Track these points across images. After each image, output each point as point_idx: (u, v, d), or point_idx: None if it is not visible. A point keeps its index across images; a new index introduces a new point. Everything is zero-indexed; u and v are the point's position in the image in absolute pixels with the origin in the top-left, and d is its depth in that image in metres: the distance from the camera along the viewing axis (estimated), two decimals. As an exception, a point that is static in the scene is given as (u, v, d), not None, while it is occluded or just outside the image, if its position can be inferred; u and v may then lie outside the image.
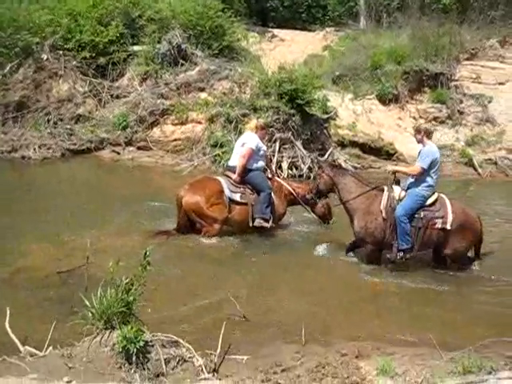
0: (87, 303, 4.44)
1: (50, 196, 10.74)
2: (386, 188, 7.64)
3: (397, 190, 7.56)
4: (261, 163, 8.85)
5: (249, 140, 8.71)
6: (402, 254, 7.42)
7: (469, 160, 15.98)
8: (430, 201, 7.46)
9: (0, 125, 15.20)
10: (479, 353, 4.39)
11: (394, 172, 7.93)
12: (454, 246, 7.40)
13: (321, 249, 8.07)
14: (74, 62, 16.36)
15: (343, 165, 13.99)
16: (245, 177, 8.58)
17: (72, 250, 7.29)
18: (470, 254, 7.74)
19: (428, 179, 7.42)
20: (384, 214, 7.43)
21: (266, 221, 8.47)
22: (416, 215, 7.38)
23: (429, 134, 7.79)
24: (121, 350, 4.15)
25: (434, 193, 7.53)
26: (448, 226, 7.32)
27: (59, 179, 12.57)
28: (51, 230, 8.26)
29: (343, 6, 38.33)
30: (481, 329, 5.60)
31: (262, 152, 8.86)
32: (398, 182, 7.74)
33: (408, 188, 7.55)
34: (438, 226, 7.37)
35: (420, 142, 7.71)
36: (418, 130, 7.78)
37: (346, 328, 5.57)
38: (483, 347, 4.58)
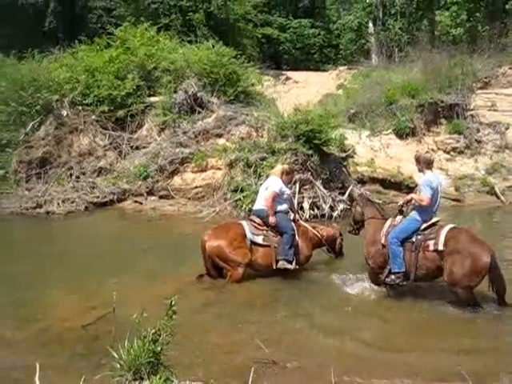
0: (115, 355, 4.47)
1: (75, 248, 10.87)
2: (390, 218, 7.92)
3: (398, 218, 7.78)
4: (285, 206, 8.88)
5: (272, 184, 8.79)
6: (393, 277, 7.48)
7: (490, 188, 15.89)
8: (425, 225, 7.48)
9: (24, 181, 15.53)
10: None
11: (406, 202, 7.92)
12: (452, 272, 7.05)
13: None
14: (94, 117, 16.69)
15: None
16: (267, 219, 8.62)
17: (98, 300, 7.33)
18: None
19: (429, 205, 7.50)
20: (383, 241, 7.64)
21: (290, 262, 8.43)
22: (409, 240, 7.46)
23: (428, 164, 7.70)
24: (150, 399, 4.16)
25: (431, 218, 7.53)
26: (440, 247, 7.17)
27: (83, 232, 12.71)
28: (77, 281, 8.35)
29: (354, 44, 38.95)
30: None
31: (285, 196, 8.91)
32: (401, 212, 7.88)
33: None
34: (431, 247, 7.29)
35: (420, 171, 7.84)
36: (417, 160, 7.81)
37: (377, 367, 5.48)
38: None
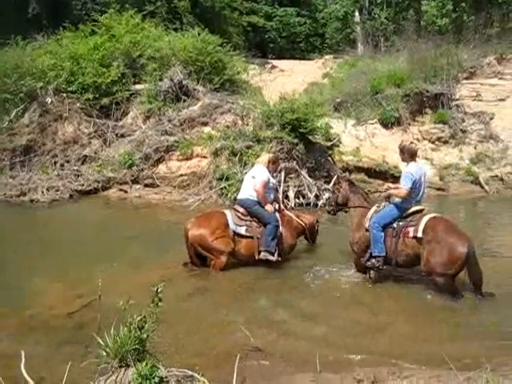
0: (101, 342, 4.46)
1: (60, 236, 10.83)
2: (376, 205, 8.07)
3: (382, 205, 7.94)
4: (271, 196, 8.90)
5: (259, 173, 8.74)
6: (373, 260, 7.65)
7: (475, 178, 16.01)
8: (407, 213, 7.61)
9: (8, 169, 15.38)
10: (495, 371, 4.36)
11: (385, 190, 8.22)
12: (428, 261, 7.18)
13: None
14: (78, 104, 16.57)
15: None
16: (251, 209, 8.60)
17: (83, 288, 7.32)
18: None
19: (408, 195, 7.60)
20: (367, 225, 7.80)
21: (272, 254, 8.42)
22: (390, 226, 7.62)
23: (412, 155, 7.76)
24: (137, 387, 4.16)
25: (413, 206, 7.64)
26: (419, 234, 7.30)
27: (68, 220, 12.64)
28: (62, 269, 8.34)
29: (340, 33, 38.91)
30: (496, 346, 5.56)
31: (271, 185, 8.91)
32: (387, 199, 8.05)
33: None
34: (411, 234, 7.43)
35: (404, 161, 7.96)
36: (401, 150, 7.88)
37: (360, 353, 5.51)
38: (500, 364, 4.56)
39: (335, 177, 9.67)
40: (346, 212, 8.69)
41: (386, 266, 7.72)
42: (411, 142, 8.15)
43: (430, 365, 5.10)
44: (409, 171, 7.62)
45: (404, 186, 7.53)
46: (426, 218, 7.41)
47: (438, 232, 7.23)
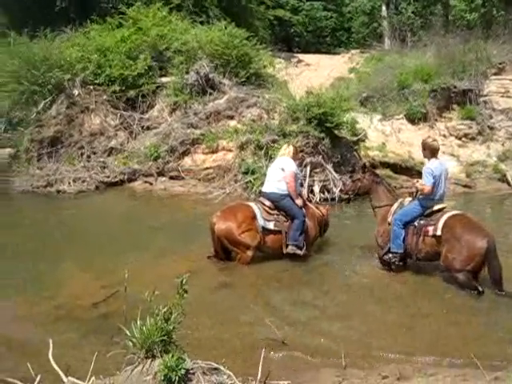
0: (127, 332, 4.50)
1: (86, 227, 10.95)
2: (399, 200, 8.14)
3: (407, 200, 7.97)
4: (299, 189, 8.89)
5: (288, 165, 8.66)
6: (390, 255, 7.76)
7: (502, 175, 15.83)
8: (429, 211, 7.64)
9: (35, 160, 15.63)
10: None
11: (416, 192, 8.00)
12: (447, 257, 7.25)
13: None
14: (105, 96, 16.74)
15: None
16: (280, 203, 8.56)
17: (109, 278, 7.39)
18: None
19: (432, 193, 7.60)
20: (389, 219, 7.89)
21: (300, 248, 8.44)
22: (411, 223, 7.68)
23: (433, 151, 7.76)
24: (163, 378, 4.15)
25: (436, 204, 7.67)
26: (438, 232, 7.35)
27: (94, 211, 12.78)
28: (88, 260, 8.45)
29: (367, 28, 38.59)
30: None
31: (299, 176, 8.93)
32: (411, 195, 8.12)
33: None
34: (430, 233, 7.48)
35: (425, 157, 7.98)
36: (423, 147, 7.90)
37: (386, 349, 5.47)
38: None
39: (361, 164, 9.72)
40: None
41: (403, 261, 7.87)
42: (433, 139, 8.07)
43: (455, 364, 5.06)
44: (429, 167, 7.63)
45: (426, 182, 7.52)
46: (445, 217, 7.44)
47: (457, 229, 7.25)
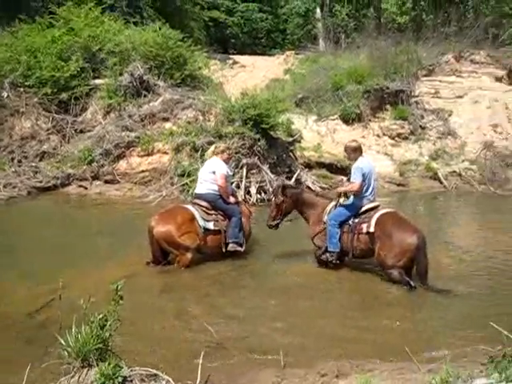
0: (62, 342, 4.37)
1: (19, 235, 10.56)
2: (333, 201, 8.20)
3: (341, 200, 8.01)
4: (230, 188, 8.93)
5: (218, 167, 8.70)
6: (327, 255, 7.88)
7: (434, 173, 16.30)
8: (363, 209, 7.80)
9: (-37, 166, 15.04)
10: (455, 362, 4.43)
11: (340, 193, 8.13)
12: (380, 255, 7.45)
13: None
14: (36, 99, 16.27)
15: (311, 186, 14.21)
16: (216, 203, 8.60)
17: (43, 287, 7.17)
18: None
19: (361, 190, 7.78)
20: (324, 220, 8.02)
21: (240, 245, 8.57)
22: (346, 222, 7.83)
23: (355, 151, 7.94)
24: (99, 387, 4.09)
25: (369, 203, 7.85)
26: (371, 229, 7.53)
27: (27, 217, 12.39)
28: (22, 268, 8.15)
29: (302, 30, 39.03)
30: (455, 337, 5.65)
31: (229, 177, 9.01)
32: (345, 195, 8.10)
33: None
34: (364, 230, 7.65)
35: (352, 159, 8.05)
36: (345, 151, 8.19)
37: (324, 348, 5.53)
38: (459, 356, 4.63)
39: (278, 186, 8.97)
40: (290, 221, 8.91)
41: (340, 260, 7.97)
42: (352, 140, 8.29)
43: (392, 358, 5.14)
44: (357, 165, 7.78)
45: (355, 179, 7.68)
46: (377, 214, 7.65)
47: (388, 227, 7.47)
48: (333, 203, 8.13)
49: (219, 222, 8.55)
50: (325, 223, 7.98)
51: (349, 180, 8.08)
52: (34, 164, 15.06)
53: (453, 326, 6.15)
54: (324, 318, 6.45)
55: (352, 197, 7.86)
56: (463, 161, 16.89)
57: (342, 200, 8.00)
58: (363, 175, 7.68)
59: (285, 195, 8.43)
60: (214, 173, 8.66)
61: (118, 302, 4.40)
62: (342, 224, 7.84)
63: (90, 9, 18.78)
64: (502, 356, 3.82)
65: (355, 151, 7.92)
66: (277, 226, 8.57)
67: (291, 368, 5.01)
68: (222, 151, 9.10)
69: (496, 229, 11.09)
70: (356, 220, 7.77)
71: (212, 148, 9.33)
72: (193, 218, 8.32)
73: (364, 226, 7.66)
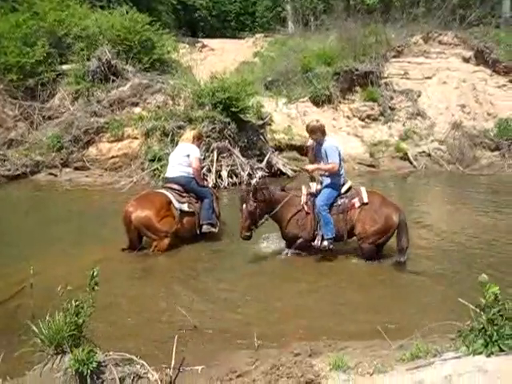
0: (35, 329, 4.34)
1: (-13, 224, 10.46)
2: (303, 187, 7.96)
3: (313, 186, 7.89)
4: (202, 171, 9.03)
5: (193, 151, 8.81)
6: (326, 243, 7.65)
7: (404, 154, 16.51)
8: (344, 188, 7.80)
9: None
10: (426, 338, 4.51)
11: (313, 170, 8.02)
12: (365, 229, 7.52)
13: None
14: (1, 86, 16.02)
15: (282, 169, 14.26)
16: (189, 186, 8.70)
17: (17, 274, 7.07)
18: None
19: (340, 169, 7.77)
20: (306, 209, 7.76)
21: (213, 226, 8.73)
22: (334, 204, 7.71)
23: (323, 130, 7.85)
24: (74, 373, 4.06)
25: (346, 181, 7.90)
26: (365, 200, 7.60)
27: (-4, 206, 12.25)
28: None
29: (271, 12, 38.83)
30: (426, 314, 5.75)
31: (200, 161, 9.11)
32: (312, 179, 8.08)
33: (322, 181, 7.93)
34: (357, 204, 7.64)
35: (317, 140, 7.88)
36: (312, 131, 7.83)
37: (298, 328, 5.60)
38: (429, 332, 4.71)
39: (249, 191, 7.79)
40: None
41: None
42: (313, 120, 8.13)
43: (364, 336, 5.21)
44: (332, 145, 7.78)
45: (335, 160, 7.64)
46: (363, 189, 7.81)
47: (375, 201, 7.63)
48: (304, 191, 7.85)
49: (193, 204, 8.65)
50: (308, 213, 7.74)
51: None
52: (1, 152, 14.79)
53: (425, 303, 6.28)
54: (297, 301, 6.51)
55: (330, 178, 7.73)
56: (432, 141, 17.10)
57: (313, 185, 7.91)
58: (339, 154, 7.71)
59: (257, 200, 7.69)
60: (188, 156, 8.75)
61: (93, 288, 4.38)
62: (330, 208, 7.67)
63: (55, -8, 18.43)
64: (470, 330, 3.90)
65: (324, 131, 7.85)
66: (251, 235, 7.84)
67: (265, 349, 5.05)
68: (198, 138, 9.22)
69: (467, 208, 11.30)
70: (342, 199, 7.71)
71: (187, 135, 9.30)
72: (169, 202, 8.39)
73: (355, 200, 7.65)
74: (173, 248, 8.34)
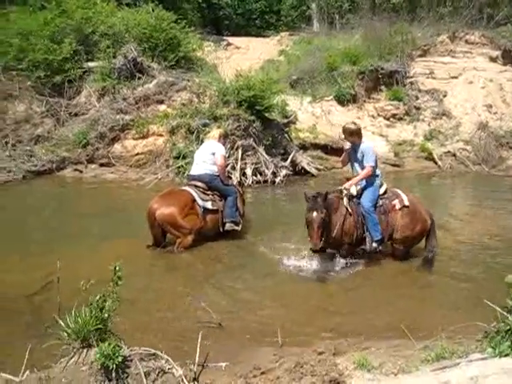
0: (62, 323, 4.39)
1: (15, 218, 10.57)
2: (342, 190, 7.62)
3: (352, 189, 7.62)
4: (226, 169, 9.06)
5: (218, 148, 8.89)
6: (375, 244, 7.48)
7: (428, 154, 16.37)
8: (382, 190, 7.74)
9: (-42, 151, 14.94)
10: (451, 339, 4.49)
11: (351, 185, 7.62)
12: (406, 231, 7.53)
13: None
14: (29, 82, 16.19)
15: (306, 167, 14.23)
16: (212, 184, 8.75)
17: (44, 269, 7.16)
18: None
19: (376, 170, 7.73)
20: (350, 211, 7.48)
21: (237, 224, 8.77)
22: (376, 205, 7.59)
23: (359, 132, 7.70)
24: (99, 367, 4.09)
25: (382, 183, 7.85)
26: (406, 202, 7.55)
27: (23, 201, 12.35)
28: (21, 251, 8.15)
29: (296, 11, 38.67)
30: (451, 315, 5.71)
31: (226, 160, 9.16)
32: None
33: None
34: (398, 206, 7.57)
35: (354, 142, 7.70)
36: (349, 133, 7.68)
37: (321, 327, 5.61)
38: (454, 333, 4.68)
39: (313, 199, 7.13)
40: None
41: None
42: (352, 123, 8.04)
43: (388, 336, 5.20)
44: (370, 147, 7.72)
45: (370, 163, 7.54)
46: (400, 191, 7.80)
47: (414, 205, 7.64)
48: (344, 192, 7.54)
49: (216, 202, 8.69)
50: (350, 214, 7.43)
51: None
52: (28, 148, 14.95)
53: (450, 304, 6.25)
54: (321, 300, 6.52)
55: (372, 179, 7.61)
56: (458, 141, 16.93)
57: (353, 188, 7.62)
58: (376, 155, 7.75)
59: (323, 214, 7.04)
60: (213, 154, 8.80)
61: (116, 282, 4.42)
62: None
63: (82, -9, 18.57)
64: (496, 332, 3.87)
65: (360, 134, 7.71)
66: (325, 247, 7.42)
67: (289, 347, 5.07)
68: (224, 136, 9.37)
69: (492, 209, 11.18)
70: (383, 200, 7.63)
71: (213, 133, 9.39)
72: (193, 200, 8.44)
73: (396, 201, 7.60)
74: (196, 245, 8.37)
